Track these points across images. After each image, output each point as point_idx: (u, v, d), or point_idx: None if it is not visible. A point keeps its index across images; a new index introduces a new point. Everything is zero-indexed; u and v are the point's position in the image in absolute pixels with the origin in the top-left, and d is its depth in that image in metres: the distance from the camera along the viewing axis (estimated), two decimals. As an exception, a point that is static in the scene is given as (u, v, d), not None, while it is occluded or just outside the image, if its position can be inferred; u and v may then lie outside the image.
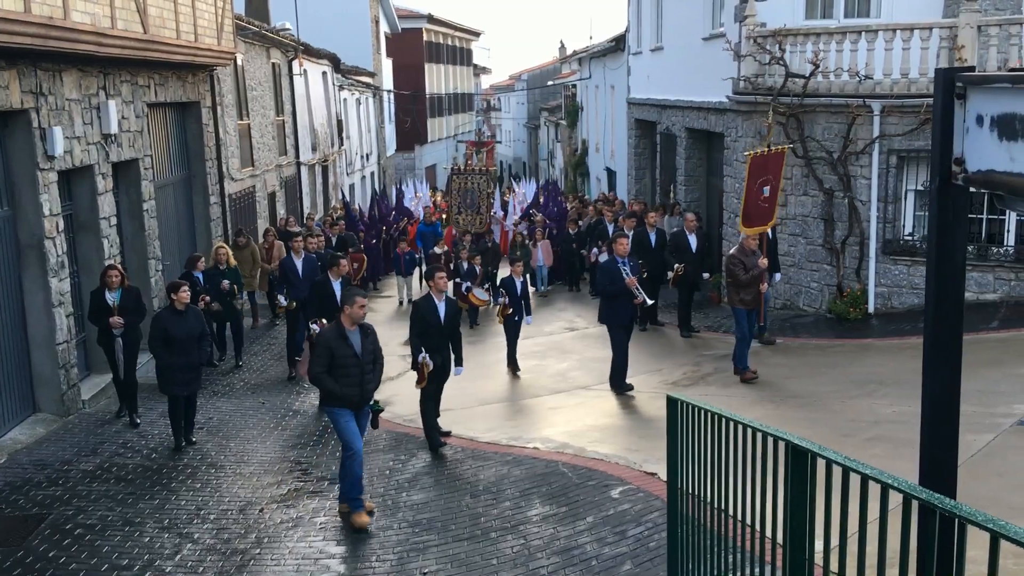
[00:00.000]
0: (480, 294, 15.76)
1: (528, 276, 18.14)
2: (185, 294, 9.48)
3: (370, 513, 7.57)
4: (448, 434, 9.68)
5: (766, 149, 12.38)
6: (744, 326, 11.02)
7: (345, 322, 7.49)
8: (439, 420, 9.69)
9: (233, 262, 13.41)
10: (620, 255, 11.17)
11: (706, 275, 14.77)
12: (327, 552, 7.04)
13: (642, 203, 20.95)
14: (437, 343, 9.34)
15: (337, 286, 10.86)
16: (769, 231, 13.54)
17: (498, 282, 14.76)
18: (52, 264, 10.34)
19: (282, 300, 12.33)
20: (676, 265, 13.78)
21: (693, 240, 13.99)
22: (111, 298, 10.14)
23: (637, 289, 11.00)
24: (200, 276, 12.57)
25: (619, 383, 10.98)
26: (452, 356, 9.58)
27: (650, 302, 11.43)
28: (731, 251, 11.24)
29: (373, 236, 20.94)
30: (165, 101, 14.44)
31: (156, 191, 13.90)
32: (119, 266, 10.80)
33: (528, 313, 13.01)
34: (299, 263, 12.64)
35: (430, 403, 9.50)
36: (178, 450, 9.45)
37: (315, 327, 10.85)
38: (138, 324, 10.41)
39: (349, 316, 7.47)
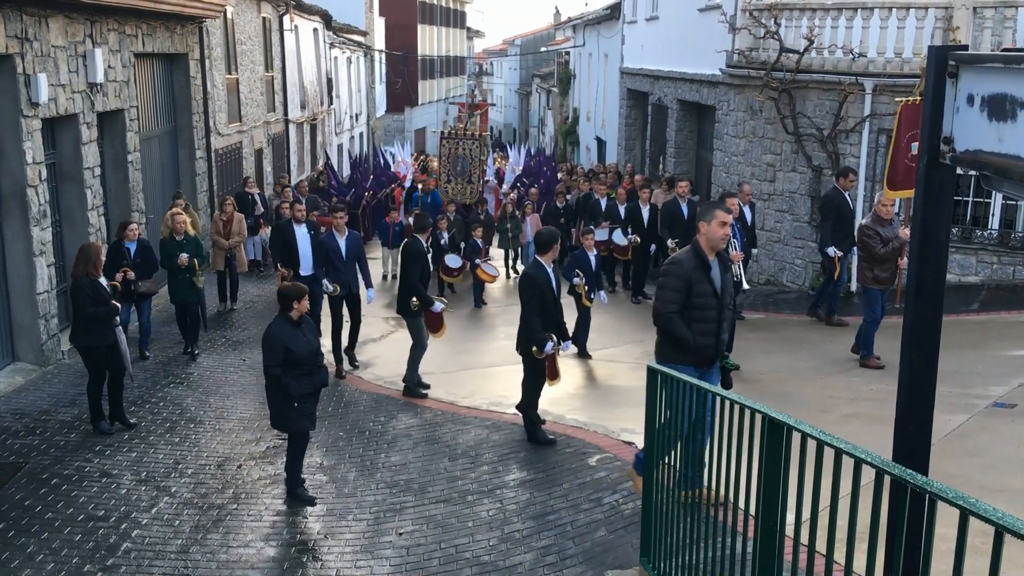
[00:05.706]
0: (489, 269, 14.64)
1: (519, 251, 17.43)
2: (306, 304, 7.21)
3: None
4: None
5: (918, 98, 10.40)
6: (877, 308, 9.69)
7: (704, 246, 5.92)
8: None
9: (192, 232, 11.63)
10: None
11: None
12: (304, 510, 7.06)
13: (643, 177, 19.21)
14: (554, 319, 8.10)
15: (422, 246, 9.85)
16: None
17: (565, 260, 13.12)
18: (34, 213, 10.23)
19: (328, 286, 10.65)
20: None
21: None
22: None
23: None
24: (132, 247, 10.65)
25: None
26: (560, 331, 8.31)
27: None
28: (863, 221, 9.79)
29: (356, 201, 19.55)
30: (152, 52, 14.24)
31: (141, 143, 13.75)
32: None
33: (600, 288, 11.53)
34: (342, 242, 10.83)
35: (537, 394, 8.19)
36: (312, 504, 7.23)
37: (441, 304, 9.83)
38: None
39: (707, 238, 5.89)
